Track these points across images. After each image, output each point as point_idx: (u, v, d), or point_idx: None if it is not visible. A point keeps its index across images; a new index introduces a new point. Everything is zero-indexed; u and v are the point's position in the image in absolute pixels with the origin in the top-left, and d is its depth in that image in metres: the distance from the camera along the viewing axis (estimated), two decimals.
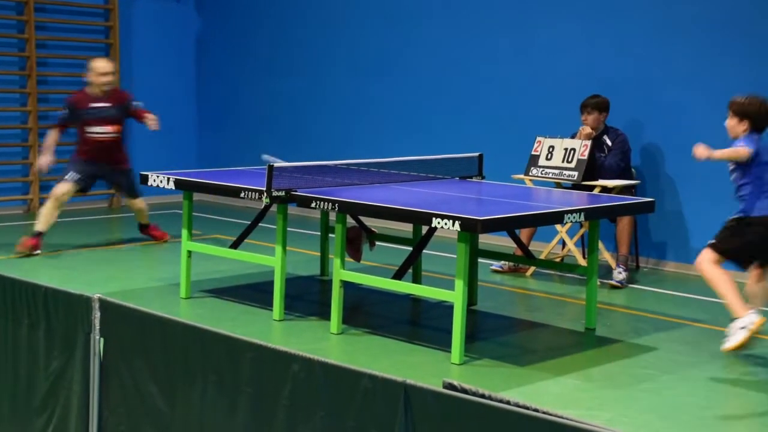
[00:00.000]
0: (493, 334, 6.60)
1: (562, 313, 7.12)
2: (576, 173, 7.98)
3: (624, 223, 8.10)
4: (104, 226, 10.60)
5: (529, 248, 7.45)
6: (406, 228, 8.33)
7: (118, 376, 3.71)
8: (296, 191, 6.29)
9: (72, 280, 7.37)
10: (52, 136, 8.97)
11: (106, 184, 9.65)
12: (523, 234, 8.06)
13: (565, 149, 8.12)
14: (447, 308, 6.19)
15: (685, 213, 8.62)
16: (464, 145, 8.84)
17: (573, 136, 8.33)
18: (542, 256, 8.23)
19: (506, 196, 6.73)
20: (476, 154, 7.56)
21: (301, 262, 8.31)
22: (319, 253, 8.03)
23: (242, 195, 6.54)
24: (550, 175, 8.15)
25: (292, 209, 6.67)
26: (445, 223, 5.46)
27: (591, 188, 7.86)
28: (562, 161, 8.10)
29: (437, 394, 2.75)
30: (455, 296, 5.65)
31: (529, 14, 9.53)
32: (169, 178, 6.98)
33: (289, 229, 6.64)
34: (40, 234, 8.54)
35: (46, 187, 10.52)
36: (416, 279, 7.47)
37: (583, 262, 7.91)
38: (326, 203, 6.05)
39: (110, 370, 3.74)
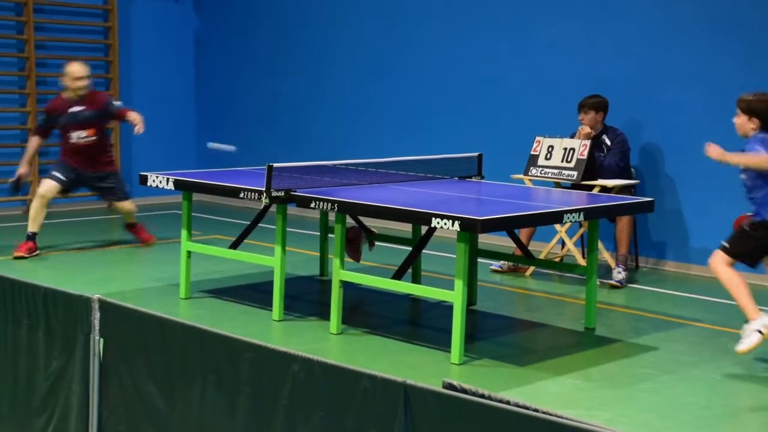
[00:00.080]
0: (493, 334, 6.60)
1: (561, 312, 7.12)
2: (575, 173, 7.98)
3: (623, 222, 8.10)
4: (104, 226, 10.59)
5: (529, 248, 7.45)
6: (405, 228, 8.33)
7: (118, 376, 3.71)
8: (295, 191, 6.29)
9: (71, 281, 7.37)
10: (32, 144, 8.95)
11: (90, 191, 9.59)
12: (523, 234, 8.06)
13: (565, 149, 8.12)
14: (446, 308, 6.18)
15: (684, 212, 8.62)
16: (464, 145, 8.84)
17: (572, 136, 8.32)
18: (542, 256, 8.23)
19: (505, 195, 6.73)
20: (476, 154, 7.56)
21: (300, 263, 8.31)
22: (318, 254, 8.03)
23: (242, 195, 6.54)
24: (550, 175, 8.15)
25: (292, 209, 6.67)
26: (445, 223, 5.45)
27: (590, 188, 7.86)
28: (562, 161, 8.10)
29: (437, 394, 2.74)
30: (455, 296, 5.64)
31: (529, 14, 9.53)
32: (168, 179, 6.97)
33: (288, 229, 6.64)
34: (33, 235, 8.53)
35: None
36: (416, 279, 7.46)
37: (582, 262, 7.91)
38: (326, 203, 6.04)
39: (110, 371, 3.74)
